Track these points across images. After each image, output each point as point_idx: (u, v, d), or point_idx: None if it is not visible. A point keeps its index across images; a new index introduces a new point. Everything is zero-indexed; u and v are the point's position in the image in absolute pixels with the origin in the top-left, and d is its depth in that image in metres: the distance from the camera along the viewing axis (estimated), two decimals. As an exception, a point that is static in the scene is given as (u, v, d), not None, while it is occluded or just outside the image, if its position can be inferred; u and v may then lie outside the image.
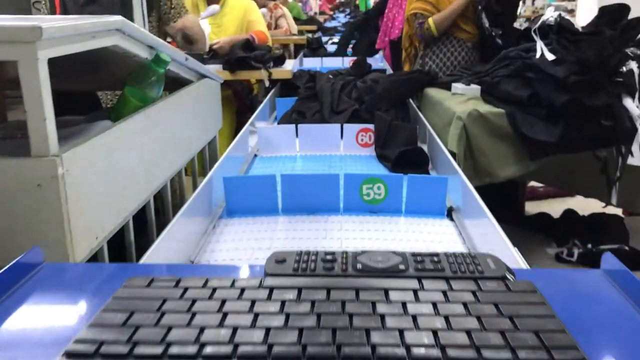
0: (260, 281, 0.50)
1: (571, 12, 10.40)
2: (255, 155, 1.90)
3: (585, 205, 2.56)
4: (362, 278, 0.49)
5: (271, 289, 0.48)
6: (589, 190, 2.33)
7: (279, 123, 2.23)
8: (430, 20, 2.61)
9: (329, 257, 0.53)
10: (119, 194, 0.89)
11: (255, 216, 1.37)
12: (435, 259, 0.52)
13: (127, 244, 0.98)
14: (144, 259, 0.88)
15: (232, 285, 0.49)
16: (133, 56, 1.00)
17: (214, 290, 0.48)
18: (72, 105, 1.41)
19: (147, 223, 1.14)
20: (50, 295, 0.52)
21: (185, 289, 0.49)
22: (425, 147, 1.83)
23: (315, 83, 2.48)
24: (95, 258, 0.85)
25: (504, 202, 2.58)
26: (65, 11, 1.80)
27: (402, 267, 0.50)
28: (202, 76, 1.44)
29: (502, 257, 1.05)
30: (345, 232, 1.28)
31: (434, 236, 1.28)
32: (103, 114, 1.15)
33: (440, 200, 1.38)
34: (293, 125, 1.94)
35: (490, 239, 1.14)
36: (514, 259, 0.96)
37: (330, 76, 2.73)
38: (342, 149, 1.91)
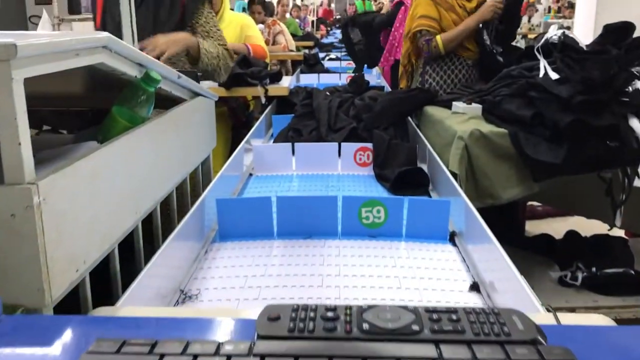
0: (250, 347, 0.43)
1: (567, 29, 10.47)
2: (251, 175, 1.85)
3: (587, 225, 2.51)
4: (369, 342, 0.43)
5: (262, 358, 0.41)
6: (591, 211, 2.29)
7: (275, 141, 2.19)
8: (438, 38, 2.57)
9: (330, 314, 0.45)
10: (103, 221, 0.83)
11: (249, 240, 1.31)
12: (454, 316, 0.44)
13: (112, 274, 0.92)
14: (131, 290, 0.83)
15: (217, 351, 0.42)
16: (121, 74, 0.94)
17: (196, 357, 0.41)
18: None
19: (135, 248, 1.09)
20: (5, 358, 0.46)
21: (162, 356, 0.42)
22: (425, 167, 1.79)
23: (312, 100, 2.44)
24: (76, 291, 0.79)
25: (503, 222, 2.53)
26: (104, 28, 1.80)
27: (415, 327, 0.43)
28: (196, 94, 1.39)
29: (509, 287, 1.00)
30: (343, 258, 1.22)
31: (436, 262, 1.22)
32: (92, 133, 1.09)
33: (442, 225, 1.32)
34: (289, 144, 1.90)
35: (496, 266, 1.09)
36: (523, 290, 0.91)
37: (328, 93, 2.69)
38: (340, 168, 1.87)
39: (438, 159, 1.62)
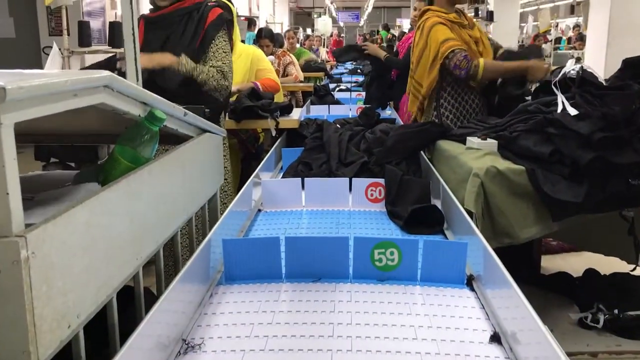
0: None
1: (578, 60, 10.46)
2: (259, 210, 1.80)
3: (604, 262, 2.43)
4: None
5: None
6: (609, 249, 2.21)
7: (284, 174, 2.15)
8: (481, 61, 2.39)
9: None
10: (100, 270, 0.78)
11: (257, 282, 1.25)
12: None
13: (109, 325, 0.86)
14: (130, 342, 0.77)
15: None
16: (123, 113, 0.90)
17: None
18: None
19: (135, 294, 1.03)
20: None
21: None
22: (438, 204, 1.73)
23: (323, 133, 2.40)
24: (69, 348, 0.73)
25: (518, 259, 2.45)
26: None
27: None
28: (203, 130, 1.34)
29: (532, 338, 0.94)
30: (355, 304, 1.16)
31: (453, 309, 1.16)
32: (95, 170, 1.05)
33: (459, 268, 1.26)
34: (299, 179, 1.85)
35: (517, 314, 1.02)
36: (547, 342, 0.85)
37: (338, 126, 2.66)
38: (351, 204, 1.81)
39: (452, 196, 1.56)
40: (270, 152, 2.32)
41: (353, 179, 1.83)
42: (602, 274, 2.28)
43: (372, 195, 1.80)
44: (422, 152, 2.14)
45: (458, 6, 2.62)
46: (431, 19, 2.52)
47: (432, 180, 1.85)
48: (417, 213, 1.60)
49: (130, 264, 0.90)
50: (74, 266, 0.71)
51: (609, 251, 2.21)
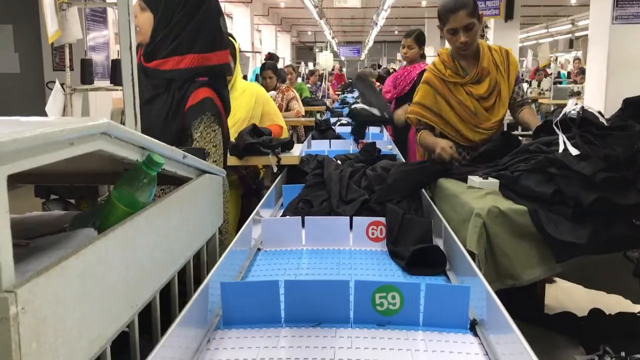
0: None
1: (578, 94, 10.53)
2: (259, 249, 1.78)
3: (610, 299, 2.40)
4: None
5: None
6: (615, 289, 2.18)
7: (284, 212, 2.14)
8: (422, 133, 2.52)
9: None
10: (93, 322, 0.76)
11: (255, 327, 1.23)
12: None
13: (102, 377, 0.84)
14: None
15: None
16: (121, 159, 0.89)
17: None
18: None
19: (130, 342, 1.01)
20: None
21: None
22: (440, 243, 1.71)
23: (323, 170, 2.40)
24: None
25: (522, 298, 2.42)
26: None
27: None
28: (203, 172, 1.34)
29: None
30: (356, 351, 1.13)
31: (456, 356, 1.13)
32: (90, 216, 1.04)
33: (462, 312, 1.23)
34: (299, 218, 1.84)
35: (520, 360, 1.00)
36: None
37: (339, 162, 2.66)
38: (352, 243, 1.79)
39: (455, 236, 1.54)
40: (271, 189, 2.31)
41: (354, 217, 1.81)
42: (607, 313, 2.24)
43: (373, 234, 1.79)
44: (423, 190, 2.13)
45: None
46: (426, 73, 2.58)
47: (433, 219, 1.83)
48: (418, 253, 1.58)
49: (125, 313, 0.88)
50: (66, 320, 0.69)
51: (614, 291, 2.18)
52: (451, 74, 2.46)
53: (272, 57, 8.04)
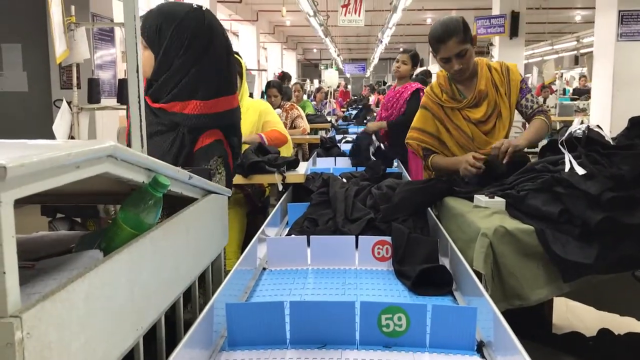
0: None
1: (583, 111, 10.53)
2: (264, 268, 1.77)
3: (619, 318, 2.38)
4: None
5: None
6: (624, 309, 2.15)
7: (289, 230, 2.14)
8: (432, 157, 2.49)
9: None
10: (98, 345, 0.76)
11: (260, 348, 1.22)
12: None
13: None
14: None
15: None
16: (127, 181, 0.90)
17: None
18: None
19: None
20: None
21: None
22: (446, 262, 1.70)
23: (329, 188, 2.40)
24: None
25: (530, 318, 2.39)
26: None
27: None
28: (208, 192, 1.34)
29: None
30: (362, 373, 1.12)
31: (463, 378, 1.12)
32: (95, 237, 1.04)
33: (469, 334, 1.22)
34: (304, 237, 1.83)
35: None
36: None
37: (345, 180, 2.65)
38: (358, 262, 1.78)
39: (461, 256, 1.53)
40: (276, 207, 2.31)
41: (359, 237, 1.81)
42: (616, 333, 2.22)
43: (379, 253, 1.78)
44: (429, 208, 2.12)
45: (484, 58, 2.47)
46: (423, 98, 2.57)
47: (439, 238, 1.83)
48: (425, 273, 1.57)
49: (131, 335, 0.88)
50: (71, 344, 0.68)
51: (623, 311, 2.15)
52: (447, 99, 2.44)
53: (284, 77, 8.08)
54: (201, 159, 1.66)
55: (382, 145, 3.87)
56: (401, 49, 4.70)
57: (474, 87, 2.40)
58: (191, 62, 1.63)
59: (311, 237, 1.81)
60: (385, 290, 1.57)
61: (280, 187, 2.74)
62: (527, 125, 2.49)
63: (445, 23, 2.30)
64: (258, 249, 1.78)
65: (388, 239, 1.78)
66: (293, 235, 2.00)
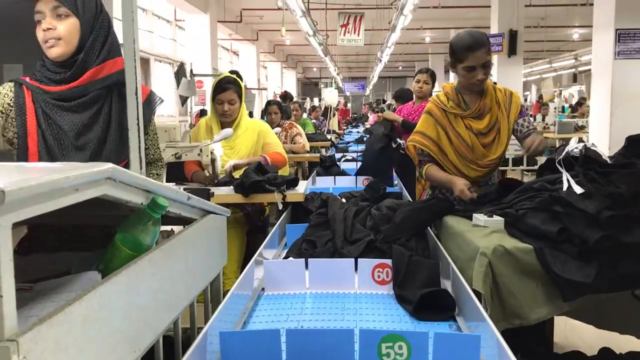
0: None
1: (582, 128, 10.56)
2: (262, 292, 1.73)
3: (621, 337, 2.36)
4: None
5: None
6: (625, 328, 2.14)
7: (288, 252, 2.10)
8: (427, 167, 2.51)
9: None
10: (95, 368, 0.75)
11: (255, 380, 1.18)
12: None
13: None
14: None
15: None
16: (125, 202, 0.90)
17: None
18: None
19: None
20: None
21: None
22: (449, 284, 1.66)
23: (327, 209, 2.36)
24: None
25: (530, 337, 2.38)
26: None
27: None
28: (207, 212, 1.34)
29: None
30: (362, 405, 1.10)
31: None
32: (94, 259, 1.04)
33: (472, 363, 1.19)
34: (302, 260, 1.79)
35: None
36: None
37: (344, 200, 2.64)
38: (357, 286, 1.73)
39: (463, 279, 1.49)
40: (274, 228, 2.28)
41: (359, 259, 1.76)
42: (618, 353, 2.20)
43: (379, 276, 1.73)
44: (429, 228, 2.11)
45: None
46: (428, 104, 2.61)
47: (440, 259, 1.80)
48: (426, 297, 1.52)
49: (128, 357, 0.87)
50: (68, 367, 0.68)
51: (623, 330, 2.14)
52: (453, 106, 2.48)
53: (286, 96, 8.14)
54: (148, 111, 1.63)
55: (399, 140, 3.92)
56: (419, 70, 4.78)
57: (479, 100, 2.46)
58: (106, 18, 1.64)
59: (309, 260, 1.77)
60: (385, 316, 1.52)
61: (281, 206, 2.74)
62: (520, 144, 2.53)
63: (474, 33, 2.39)
64: (255, 271, 1.75)
65: (388, 261, 1.74)
66: (291, 258, 1.96)
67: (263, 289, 1.74)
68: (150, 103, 1.66)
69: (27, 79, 1.65)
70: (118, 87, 1.59)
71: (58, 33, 1.56)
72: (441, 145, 2.47)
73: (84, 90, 1.59)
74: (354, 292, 1.71)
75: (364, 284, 1.72)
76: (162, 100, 1.76)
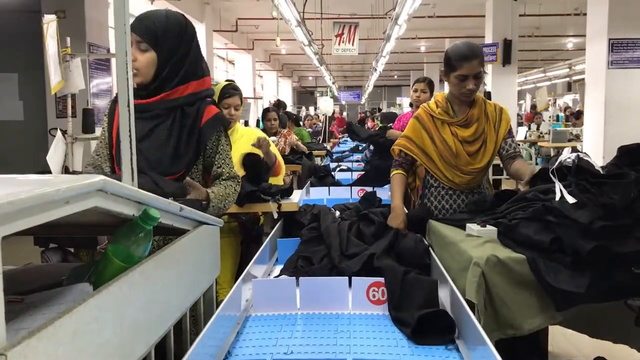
0: None
1: (577, 137, 10.60)
2: (250, 313, 1.61)
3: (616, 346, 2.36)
4: None
5: None
6: (618, 337, 2.15)
7: (282, 270, 2.01)
8: (395, 175, 2.57)
9: None
10: (85, 381, 0.75)
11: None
12: None
13: None
14: None
15: None
16: (117, 214, 0.90)
17: None
18: None
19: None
20: None
21: None
22: (446, 301, 1.61)
23: (320, 223, 2.31)
24: None
25: (524, 347, 2.37)
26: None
27: None
28: (200, 223, 1.34)
29: None
30: None
31: None
32: (85, 271, 1.04)
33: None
34: (293, 278, 1.70)
35: None
36: None
37: (337, 212, 2.62)
38: (351, 306, 1.64)
39: (462, 298, 1.44)
40: (265, 243, 2.21)
41: (353, 278, 1.68)
42: (611, 362, 2.21)
43: (374, 296, 1.64)
44: (423, 237, 2.11)
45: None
46: (418, 110, 2.65)
47: (438, 276, 1.74)
48: (425, 317, 1.45)
49: (119, 370, 0.87)
50: (57, 381, 0.68)
51: (616, 339, 2.14)
52: (441, 112, 2.52)
53: (279, 104, 8.17)
54: (210, 129, 1.87)
55: None
56: (417, 79, 4.81)
57: (467, 110, 2.49)
58: (186, 48, 1.86)
59: (300, 278, 1.68)
60: (381, 340, 1.43)
61: (276, 216, 2.74)
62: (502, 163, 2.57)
63: (470, 44, 2.44)
64: (244, 290, 1.67)
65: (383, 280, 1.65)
66: (283, 276, 1.88)
67: (252, 306, 1.64)
68: (214, 124, 1.88)
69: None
70: (182, 107, 1.84)
71: (138, 65, 1.77)
72: (425, 149, 2.51)
73: (154, 106, 1.81)
74: (347, 313, 1.63)
75: (359, 304, 1.64)
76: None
